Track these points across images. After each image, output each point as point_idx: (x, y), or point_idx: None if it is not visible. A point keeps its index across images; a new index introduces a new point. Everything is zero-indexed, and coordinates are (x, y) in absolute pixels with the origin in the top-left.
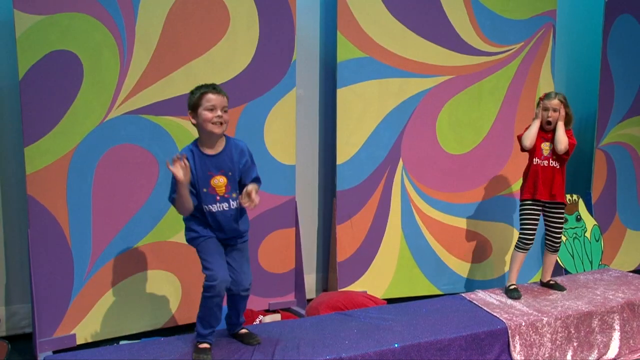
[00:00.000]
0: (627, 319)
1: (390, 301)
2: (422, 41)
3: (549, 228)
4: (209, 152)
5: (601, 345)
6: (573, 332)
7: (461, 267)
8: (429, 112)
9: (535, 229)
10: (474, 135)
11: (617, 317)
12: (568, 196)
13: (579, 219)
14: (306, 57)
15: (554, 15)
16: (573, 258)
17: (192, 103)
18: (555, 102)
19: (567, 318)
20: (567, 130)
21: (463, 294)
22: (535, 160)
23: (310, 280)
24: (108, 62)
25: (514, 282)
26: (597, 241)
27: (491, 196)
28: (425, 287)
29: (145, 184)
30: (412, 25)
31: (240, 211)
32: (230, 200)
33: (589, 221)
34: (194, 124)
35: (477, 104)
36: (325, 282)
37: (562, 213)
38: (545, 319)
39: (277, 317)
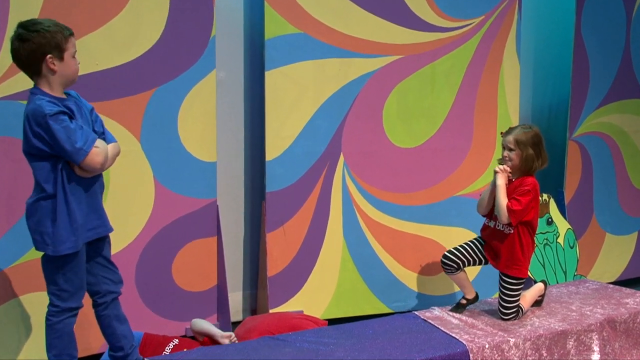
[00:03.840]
0: (608, 339)
1: (332, 322)
2: (365, 14)
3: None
4: (63, 96)
5: None
6: (545, 354)
7: (414, 281)
8: (374, 98)
9: (465, 254)
10: (427, 126)
11: (596, 336)
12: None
13: (550, 222)
14: (228, 33)
15: None
16: (544, 268)
17: (55, 44)
18: (509, 138)
19: (538, 339)
20: (522, 181)
21: (416, 312)
22: (486, 220)
23: (235, 299)
24: None
25: (469, 296)
26: (571, 248)
27: (447, 197)
28: (373, 305)
29: (28, 187)
30: None
31: None
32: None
33: (562, 224)
34: (50, 71)
35: (430, 90)
36: (254, 302)
37: (510, 285)
38: (513, 339)
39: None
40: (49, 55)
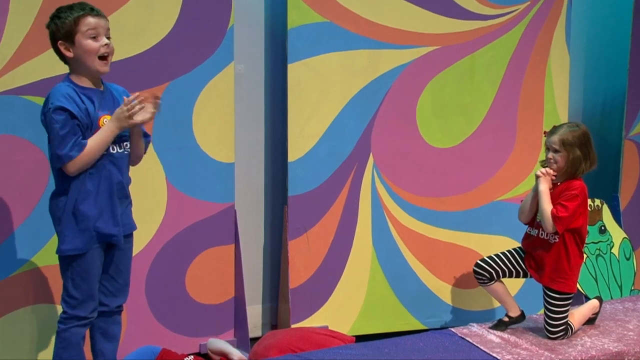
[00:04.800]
0: None
1: (359, 339)
2: (397, 1)
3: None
4: (92, 87)
5: None
6: None
7: (450, 294)
8: (406, 94)
9: (500, 264)
10: (465, 125)
11: None
12: (590, 201)
13: (603, 230)
14: (247, 22)
15: None
16: (596, 282)
17: (65, 30)
18: (554, 139)
19: None
20: (569, 185)
21: (453, 329)
22: (528, 228)
23: (254, 313)
24: None
25: (512, 314)
26: (627, 259)
27: (487, 202)
28: (404, 320)
29: (29, 189)
30: None
31: (128, 165)
32: (116, 147)
33: (617, 233)
34: (67, 57)
35: (469, 84)
36: (275, 316)
37: (556, 300)
38: None
39: None
40: (59, 42)
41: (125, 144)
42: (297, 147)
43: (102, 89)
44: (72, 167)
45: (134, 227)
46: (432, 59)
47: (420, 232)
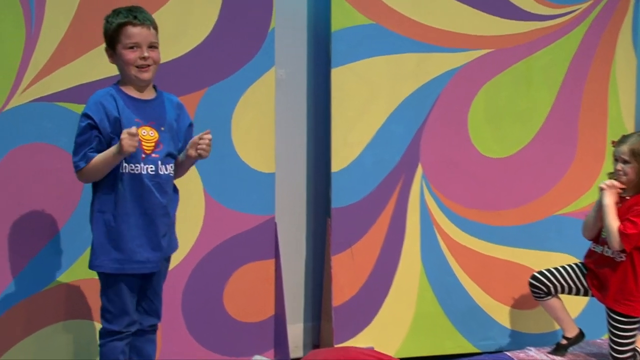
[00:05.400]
0: None
1: None
2: (448, 1)
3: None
4: (137, 95)
5: None
6: None
7: (506, 315)
8: (458, 100)
9: (559, 277)
10: (521, 132)
11: None
12: None
13: None
14: (289, 25)
15: None
16: None
17: (108, 37)
18: (623, 149)
19: None
20: (638, 199)
21: (509, 353)
22: (592, 245)
23: (295, 332)
24: (7, 27)
25: (569, 334)
26: None
27: (546, 216)
28: (456, 342)
29: (64, 199)
30: None
31: (173, 186)
32: (159, 163)
33: None
34: (111, 62)
35: (526, 89)
36: (317, 335)
37: (620, 323)
38: None
39: None
40: (105, 47)
41: (170, 165)
42: (341, 156)
43: (151, 97)
44: (81, 177)
45: (174, 249)
46: (485, 62)
47: (472, 248)
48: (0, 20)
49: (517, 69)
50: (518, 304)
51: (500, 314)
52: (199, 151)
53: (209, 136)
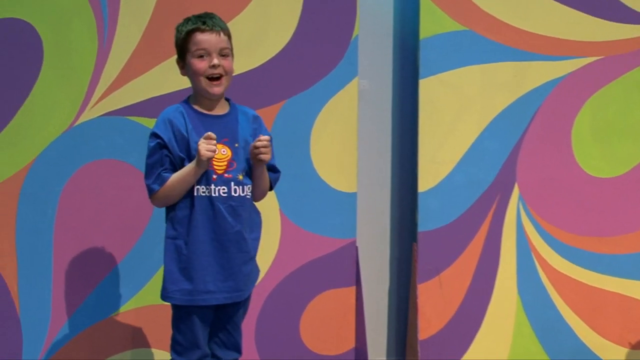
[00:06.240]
0: None
1: None
2: (550, 4)
3: None
4: (208, 112)
5: None
6: None
7: (617, 355)
8: (560, 113)
9: None
10: (634, 149)
11: None
12: None
13: None
14: (373, 32)
15: None
16: None
17: (178, 47)
18: None
19: None
20: None
21: None
22: None
23: None
24: (80, 38)
25: None
26: None
27: None
28: None
29: (135, 218)
30: None
31: (250, 209)
32: (232, 184)
33: None
34: (182, 74)
35: (639, 101)
36: None
37: None
38: None
39: None
40: (176, 59)
41: (247, 187)
42: (429, 175)
43: (224, 112)
44: (155, 200)
45: (255, 279)
46: (592, 71)
47: (577, 279)
48: (73, 29)
49: (629, 78)
50: (632, 343)
51: (613, 355)
52: (259, 157)
53: (266, 137)
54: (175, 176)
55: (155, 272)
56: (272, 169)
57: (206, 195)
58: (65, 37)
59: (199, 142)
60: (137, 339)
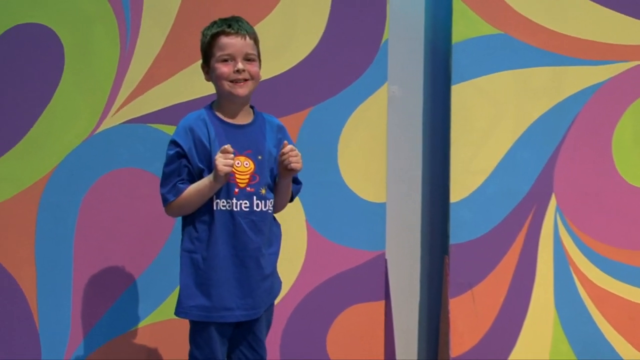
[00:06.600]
0: None
1: None
2: (590, 5)
3: None
4: (231, 120)
5: None
6: None
7: None
8: (600, 121)
9: None
10: None
11: None
12: None
13: None
14: (404, 36)
15: None
16: None
17: (203, 51)
18: None
19: None
20: None
21: None
22: None
23: None
24: (102, 43)
25: None
26: None
27: None
28: None
29: (156, 229)
30: None
31: (271, 223)
32: (254, 198)
33: None
34: (207, 79)
35: None
36: None
37: None
38: None
39: None
40: (200, 64)
41: (269, 201)
42: (462, 185)
43: (248, 121)
44: (169, 210)
45: (276, 294)
46: (634, 76)
47: (617, 294)
48: (95, 34)
49: None
50: None
51: None
52: (291, 165)
53: (290, 146)
54: (191, 188)
55: (176, 286)
56: (294, 180)
57: (227, 210)
58: (87, 42)
59: (216, 157)
60: (154, 354)
